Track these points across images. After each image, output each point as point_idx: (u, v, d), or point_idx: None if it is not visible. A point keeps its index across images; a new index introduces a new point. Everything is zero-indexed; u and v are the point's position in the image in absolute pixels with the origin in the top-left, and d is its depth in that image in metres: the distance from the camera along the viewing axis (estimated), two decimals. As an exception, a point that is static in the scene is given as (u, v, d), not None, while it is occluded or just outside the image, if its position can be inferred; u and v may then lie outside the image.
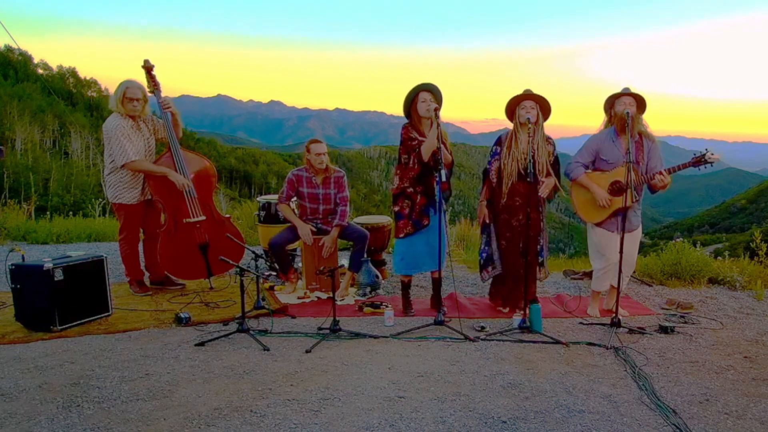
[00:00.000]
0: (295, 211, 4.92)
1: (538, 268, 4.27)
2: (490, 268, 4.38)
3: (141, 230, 4.77)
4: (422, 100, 4.11)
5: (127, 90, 4.38)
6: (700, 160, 3.87)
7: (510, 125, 4.24)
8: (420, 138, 4.14)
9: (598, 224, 4.24)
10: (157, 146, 4.70)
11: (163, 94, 4.59)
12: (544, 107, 4.15)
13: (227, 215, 4.98)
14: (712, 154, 3.84)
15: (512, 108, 4.17)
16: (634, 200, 3.80)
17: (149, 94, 4.55)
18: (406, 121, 4.28)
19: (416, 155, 4.12)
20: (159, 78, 4.55)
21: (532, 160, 3.95)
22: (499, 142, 4.28)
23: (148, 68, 4.51)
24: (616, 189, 4.09)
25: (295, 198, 4.86)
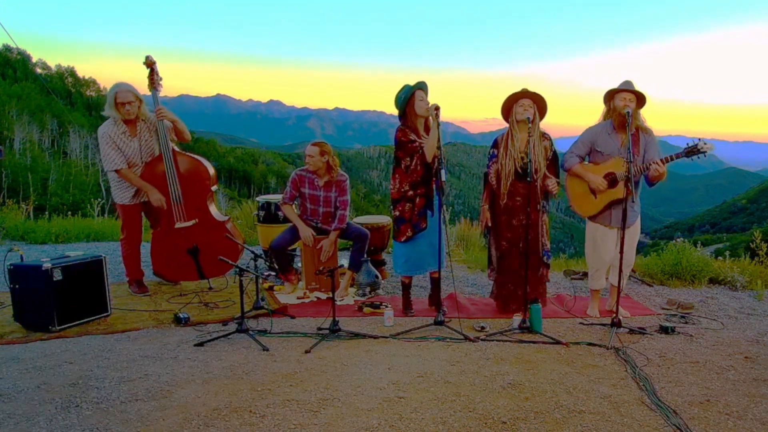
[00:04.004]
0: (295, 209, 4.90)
1: (543, 269, 4.26)
2: (490, 270, 4.49)
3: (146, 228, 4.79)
4: (419, 98, 4.09)
5: (117, 95, 4.31)
6: (693, 150, 3.83)
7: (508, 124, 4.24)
8: (419, 139, 4.11)
9: (592, 218, 4.24)
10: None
11: (161, 93, 4.54)
12: (540, 105, 4.14)
13: (226, 217, 4.95)
14: (705, 144, 3.81)
15: (509, 106, 4.16)
16: (630, 193, 3.78)
17: (147, 94, 4.51)
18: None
19: (420, 157, 4.06)
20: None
21: (530, 160, 3.94)
22: (495, 144, 4.26)
23: (150, 64, 4.45)
24: (610, 180, 4.09)
25: (297, 197, 4.85)
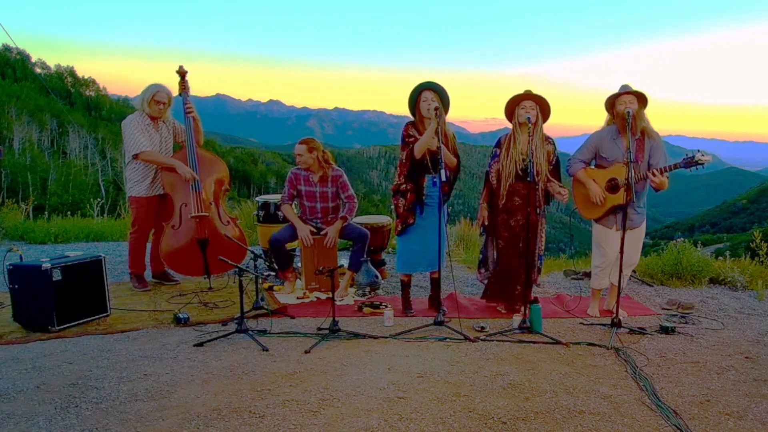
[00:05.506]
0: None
1: (534, 271, 4.26)
2: (483, 270, 4.50)
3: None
4: (424, 99, 4.10)
5: (156, 94, 4.64)
6: (690, 162, 3.77)
7: (509, 125, 4.24)
8: (418, 136, 4.13)
9: (597, 220, 4.24)
10: (175, 148, 4.93)
11: (175, 94, 4.82)
12: (543, 108, 4.13)
13: (233, 217, 5.04)
14: (703, 156, 3.78)
15: (512, 108, 4.16)
16: (630, 199, 3.77)
17: (178, 96, 4.82)
18: (405, 119, 4.30)
19: (409, 151, 4.14)
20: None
21: (531, 161, 3.94)
22: (498, 144, 4.28)
23: (182, 73, 4.81)
24: (613, 186, 4.08)
25: (295, 196, 4.86)
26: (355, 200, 4.80)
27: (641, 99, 4.02)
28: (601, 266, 4.28)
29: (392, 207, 4.37)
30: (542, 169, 4.09)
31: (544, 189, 4.14)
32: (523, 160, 4.07)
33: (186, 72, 4.83)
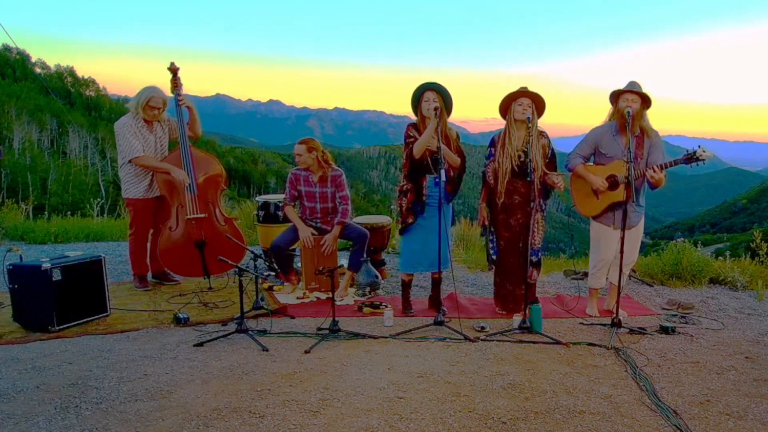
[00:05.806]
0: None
1: (532, 269, 4.25)
2: (491, 265, 4.48)
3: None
4: (425, 99, 4.11)
5: (151, 99, 4.61)
6: (691, 158, 3.79)
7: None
8: (418, 136, 4.14)
9: (595, 218, 4.24)
10: (171, 145, 4.90)
11: (169, 94, 4.78)
12: (538, 104, 4.13)
13: (232, 217, 5.02)
14: (704, 152, 3.78)
15: (507, 104, 4.16)
16: (630, 196, 3.77)
17: (170, 95, 4.76)
18: (406, 120, 4.34)
19: (409, 151, 4.16)
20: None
21: (529, 159, 3.93)
22: (492, 143, 4.28)
23: (173, 70, 4.72)
24: (611, 183, 4.08)
25: (297, 196, 4.87)
26: (349, 200, 4.78)
27: (645, 100, 4.02)
28: (598, 265, 4.28)
29: (393, 207, 4.42)
30: (538, 165, 4.09)
31: (540, 183, 4.14)
32: (519, 156, 4.08)
33: (178, 69, 4.73)
